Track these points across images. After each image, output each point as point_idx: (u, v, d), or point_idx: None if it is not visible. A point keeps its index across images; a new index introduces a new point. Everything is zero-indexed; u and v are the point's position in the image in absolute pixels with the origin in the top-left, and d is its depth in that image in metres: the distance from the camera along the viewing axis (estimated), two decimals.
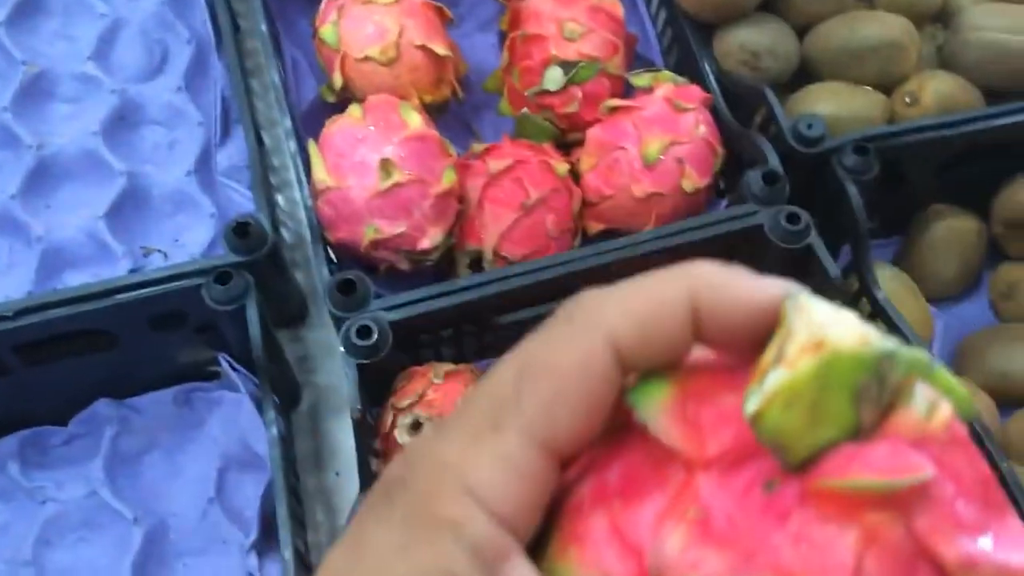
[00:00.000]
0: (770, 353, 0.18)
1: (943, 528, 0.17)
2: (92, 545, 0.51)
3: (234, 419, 0.52)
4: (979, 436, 0.47)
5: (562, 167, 0.56)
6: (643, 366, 0.19)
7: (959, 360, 0.57)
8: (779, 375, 0.17)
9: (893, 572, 0.16)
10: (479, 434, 0.18)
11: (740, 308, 0.18)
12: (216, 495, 0.51)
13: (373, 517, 0.18)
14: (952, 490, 0.17)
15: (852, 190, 0.51)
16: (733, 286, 0.18)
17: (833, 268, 0.49)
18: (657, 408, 0.18)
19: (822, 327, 0.17)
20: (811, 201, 0.52)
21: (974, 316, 0.59)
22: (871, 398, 0.17)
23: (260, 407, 0.49)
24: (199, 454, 0.53)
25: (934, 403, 0.17)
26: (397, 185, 0.50)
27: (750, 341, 0.18)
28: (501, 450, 0.18)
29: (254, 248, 0.49)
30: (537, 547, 0.19)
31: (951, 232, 0.58)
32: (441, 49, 0.57)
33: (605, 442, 0.19)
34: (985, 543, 0.17)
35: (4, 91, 0.61)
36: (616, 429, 0.20)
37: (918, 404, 0.17)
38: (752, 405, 0.17)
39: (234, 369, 0.51)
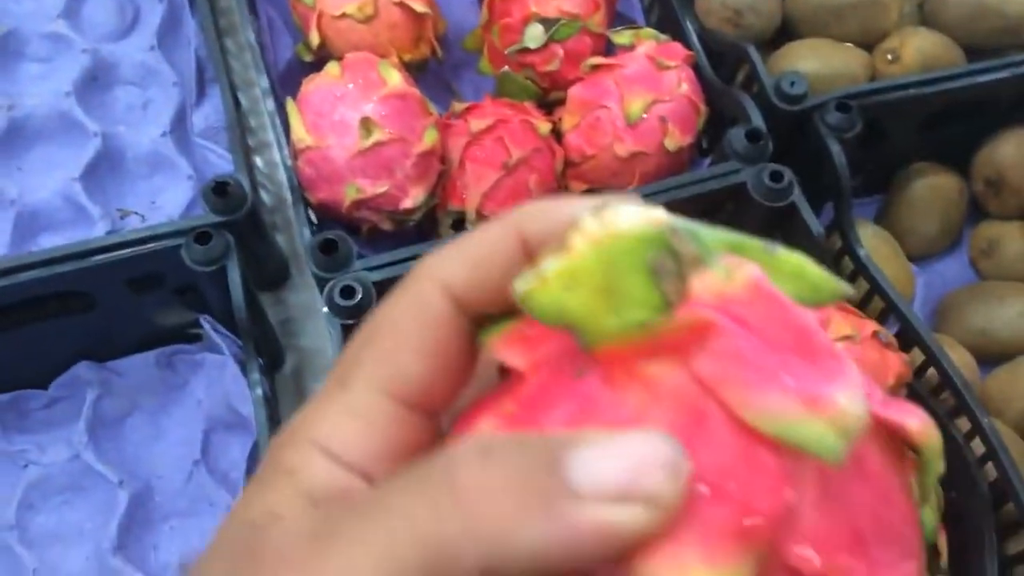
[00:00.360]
0: (555, 245, 0.17)
1: (730, 371, 0.16)
2: (76, 508, 0.51)
3: (218, 381, 0.51)
4: (959, 392, 0.48)
5: (544, 126, 0.55)
6: (487, 306, 0.19)
7: (940, 317, 0.57)
8: (556, 259, 0.17)
9: (680, 420, 0.16)
10: (328, 394, 0.19)
11: (563, 228, 0.18)
12: (201, 457, 0.51)
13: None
14: (745, 337, 0.16)
15: (835, 147, 0.51)
16: (554, 209, 0.18)
17: (816, 226, 0.49)
18: (497, 337, 0.18)
19: (611, 217, 0.17)
20: (793, 159, 0.52)
21: (954, 273, 0.60)
22: (670, 273, 0.16)
23: (244, 368, 0.49)
24: (183, 416, 0.53)
25: (735, 266, 0.17)
26: (378, 144, 0.49)
27: None
28: (346, 402, 0.18)
29: (234, 208, 0.48)
30: None
31: (932, 190, 0.59)
32: (420, 6, 0.56)
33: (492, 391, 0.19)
34: (780, 381, 0.16)
35: None
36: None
37: (716, 270, 0.17)
38: (522, 285, 0.17)
39: (216, 331, 0.50)
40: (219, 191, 0.48)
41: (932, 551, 0.45)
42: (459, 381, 0.19)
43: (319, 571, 0.16)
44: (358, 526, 0.16)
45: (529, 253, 0.18)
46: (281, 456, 0.18)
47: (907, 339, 0.50)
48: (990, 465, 0.47)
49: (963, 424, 0.48)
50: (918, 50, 0.56)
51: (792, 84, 0.52)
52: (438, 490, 0.16)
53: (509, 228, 0.18)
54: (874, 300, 0.52)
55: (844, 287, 0.18)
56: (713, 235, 0.18)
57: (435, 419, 0.19)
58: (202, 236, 0.47)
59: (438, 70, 0.63)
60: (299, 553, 0.16)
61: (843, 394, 0.16)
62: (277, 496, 0.18)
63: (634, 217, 0.17)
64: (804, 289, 0.18)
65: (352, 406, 0.18)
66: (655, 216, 0.17)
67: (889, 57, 0.56)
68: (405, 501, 0.16)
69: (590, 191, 0.56)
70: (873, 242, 0.55)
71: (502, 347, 0.18)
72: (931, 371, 0.50)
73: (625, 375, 0.17)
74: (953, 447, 0.48)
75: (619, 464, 0.15)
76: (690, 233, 0.17)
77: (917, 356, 0.50)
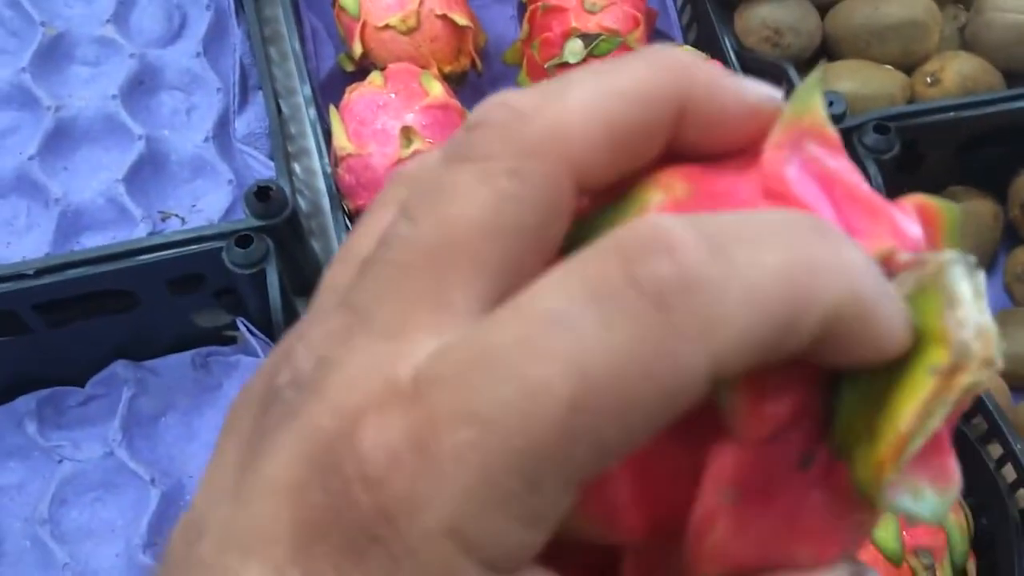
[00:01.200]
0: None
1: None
2: (108, 505, 0.52)
3: None
4: (992, 417, 0.47)
5: None
6: (604, 184, 0.15)
7: None
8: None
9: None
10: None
11: (733, 112, 0.15)
12: None
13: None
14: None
15: (872, 169, 0.51)
16: (728, 85, 0.15)
17: None
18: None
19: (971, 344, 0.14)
20: None
21: (989, 299, 0.59)
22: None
23: None
24: (216, 417, 0.53)
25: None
26: (418, 153, 0.50)
27: (737, 143, 0.16)
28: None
29: (275, 212, 0.49)
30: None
31: (967, 214, 0.58)
32: (461, 19, 0.57)
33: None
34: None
35: (23, 52, 0.61)
36: None
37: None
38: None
39: (252, 334, 0.51)
40: (261, 196, 0.49)
41: None
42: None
43: None
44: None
45: (678, 128, 0.15)
46: None
47: None
48: (1022, 491, 0.47)
49: (995, 450, 0.48)
50: (958, 73, 0.56)
51: (831, 104, 0.52)
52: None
53: (671, 90, 0.15)
54: None
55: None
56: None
57: None
58: (243, 239, 0.48)
59: (477, 82, 0.63)
60: None
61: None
62: None
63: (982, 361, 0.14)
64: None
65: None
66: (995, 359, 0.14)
67: (929, 80, 0.56)
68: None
69: None
70: None
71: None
72: None
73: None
74: (984, 473, 0.48)
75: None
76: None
77: None
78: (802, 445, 0.15)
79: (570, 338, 0.12)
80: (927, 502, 0.14)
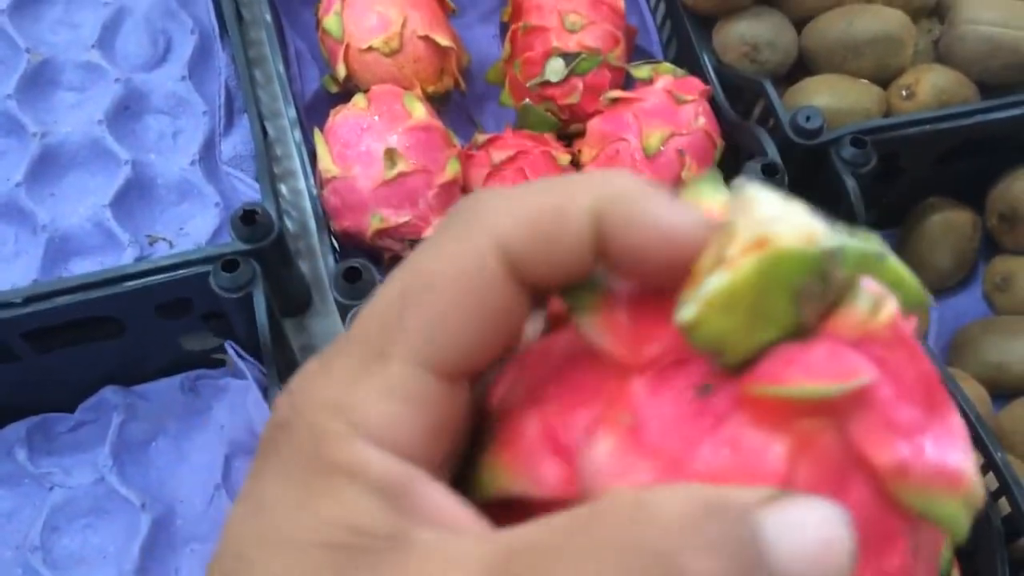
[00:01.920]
0: (710, 254, 0.16)
1: (878, 433, 0.16)
2: (100, 531, 0.52)
3: (240, 406, 0.52)
4: (972, 425, 0.48)
5: (564, 158, 0.56)
6: (539, 281, 0.17)
7: (953, 351, 0.58)
8: (720, 278, 0.16)
9: (825, 480, 0.16)
10: (364, 364, 0.16)
11: (654, 233, 0.16)
12: (222, 482, 0.52)
13: (267, 469, 0.17)
14: (891, 392, 0.16)
15: (850, 182, 0.52)
16: (649, 207, 0.16)
17: None
18: (589, 310, 0.17)
19: (767, 223, 0.16)
20: (809, 194, 0.52)
21: (968, 307, 0.60)
22: (814, 296, 0.16)
23: (267, 394, 0.50)
24: (205, 441, 0.54)
25: (879, 299, 0.16)
26: (402, 175, 0.50)
27: (661, 271, 0.16)
28: (387, 380, 0.16)
29: (261, 236, 0.49)
30: (472, 461, 0.18)
31: (946, 224, 0.59)
32: (444, 40, 0.57)
33: (539, 344, 0.18)
34: (920, 445, 0.16)
35: (8, 78, 0.62)
36: (551, 328, 0.19)
37: (862, 301, 0.16)
38: (688, 313, 0.16)
39: (240, 357, 0.51)
40: (247, 219, 0.49)
41: None
42: (503, 348, 0.17)
43: None
44: None
45: (601, 242, 0.16)
46: (329, 449, 0.16)
47: None
48: (1003, 500, 0.47)
49: (976, 458, 0.49)
50: (933, 86, 0.56)
51: (808, 119, 0.53)
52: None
53: (586, 202, 0.16)
54: None
55: (930, 298, 0.18)
56: (853, 245, 0.17)
57: (467, 386, 0.17)
58: (229, 264, 0.48)
59: (461, 102, 0.64)
60: None
61: (970, 467, 0.16)
62: (344, 500, 0.15)
63: (797, 230, 0.16)
64: (902, 298, 0.17)
65: (393, 385, 0.16)
66: (817, 232, 0.16)
67: (904, 93, 0.57)
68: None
69: None
70: None
71: (601, 329, 0.17)
72: None
73: (772, 417, 0.16)
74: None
75: (812, 536, 0.14)
76: (839, 254, 0.16)
77: None
78: (697, 378, 0.16)
79: None
80: (943, 507, 0.16)
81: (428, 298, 0.16)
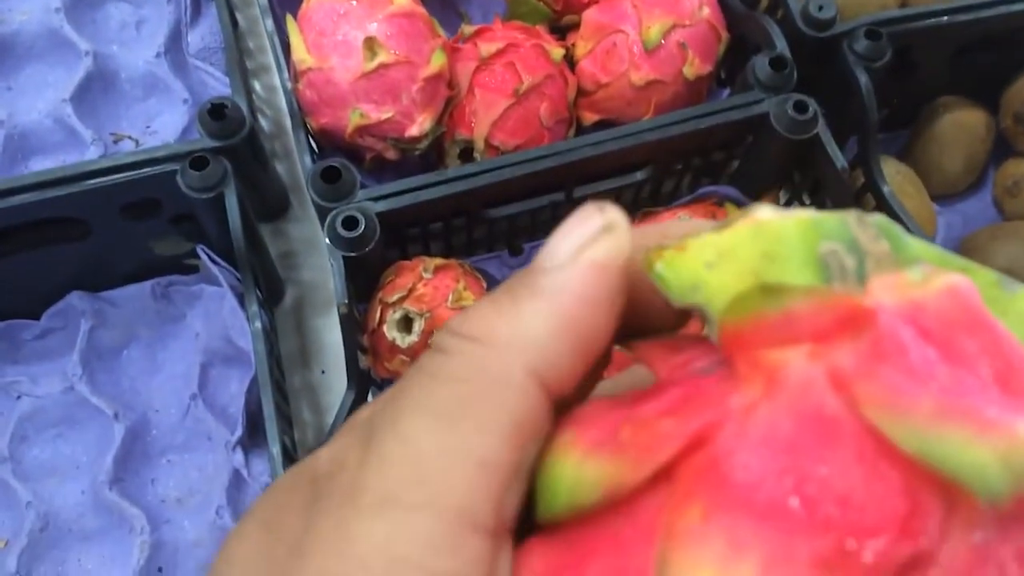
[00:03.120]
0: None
1: (878, 375, 0.12)
2: (71, 441, 0.50)
3: (216, 313, 0.50)
4: None
5: (557, 52, 0.53)
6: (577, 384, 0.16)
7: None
8: (705, 234, 0.14)
9: (796, 423, 0.13)
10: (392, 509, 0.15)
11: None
12: (199, 391, 0.50)
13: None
14: (925, 352, 0.12)
15: (863, 78, 0.48)
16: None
17: (840, 160, 0.47)
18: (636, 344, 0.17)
19: (780, 210, 0.14)
20: (817, 90, 0.49)
21: (977, 213, 0.58)
22: (847, 271, 0.13)
23: (242, 301, 0.47)
24: (180, 349, 0.51)
25: (936, 271, 0.13)
26: (383, 66, 0.46)
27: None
28: (416, 526, 0.15)
29: (231, 132, 0.46)
30: None
31: (958, 125, 0.56)
32: None
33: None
34: (948, 398, 0.12)
35: None
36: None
37: (912, 269, 0.13)
38: (654, 254, 0.14)
39: (213, 261, 0.48)
40: (216, 114, 0.46)
41: None
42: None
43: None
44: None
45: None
46: None
47: None
48: None
49: None
50: None
51: (820, 8, 0.49)
52: (452, 345, 0.15)
53: (617, 292, 0.16)
54: None
55: None
56: (924, 246, 0.14)
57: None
58: (198, 161, 0.45)
59: None
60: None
61: None
62: None
63: (818, 212, 0.14)
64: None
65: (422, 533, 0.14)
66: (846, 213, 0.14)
67: None
68: (426, 371, 0.16)
69: (602, 123, 0.54)
70: (896, 179, 0.53)
71: (641, 350, 0.16)
72: None
73: (749, 364, 0.13)
74: None
75: (568, 235, 0.16)
76: (887, 230, 0.14)
77: None
78: (701, 363, 0.15)
79: None
80: (959, 453, 0.12)
81: (449, 461, 0.15)
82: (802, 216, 0.14)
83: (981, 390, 0.12)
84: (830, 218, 0.14)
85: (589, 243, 0.16)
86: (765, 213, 0.14)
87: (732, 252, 0.14)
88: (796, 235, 0.13)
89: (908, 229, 0.47)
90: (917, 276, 0.13)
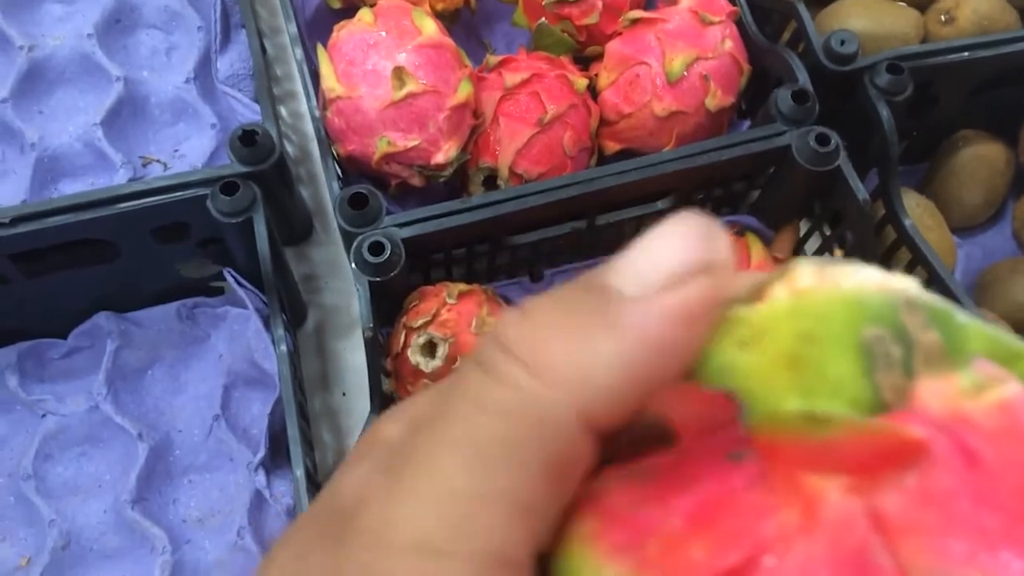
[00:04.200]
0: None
1: (923, 529, 0.12)
2: (94, 460, 0.50)
3: (240, 335, 0.50)
4: None
5: (580, 82, 0.53)
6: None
7: (980, 291, 0.56)
8: (738, 309, 0.13)
9: (834, 565, 0.12)
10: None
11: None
12: (222, 412, 0.50)
13: None
14: (971, 489, 0.12)
15: (884, 111, 0.49)
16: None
17: (862, 192, 0.47)
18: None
19: (834, 272, 0.13)
20: (838, 123, 0.50)
21: (997, 246, 0.58)
22: (892, 362, 0.12)
23: (268, 324, 0.48)
24: (204, 370, 0.52)
25: (991, 377, 0.12)
26: (411, 95, 0.47)
27: None
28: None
29: (261, 158, 0.47)
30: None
31: (978, 159, 0.57)
32: None
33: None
34: (990, 560, 0.11)
35: None
36: None
37: (964, 375, 0.12)
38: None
39: (240, 284, 0.49)
40: (247, 140, 0.47)
41: None
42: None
43: (406, 490, 0.14)
44: (430, 438, 0.14)
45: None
46: None
47: None
48: None
49: None
50: (974, 11, 0.53)
51: (842, 43, 0.50)
52: (501, 368, 0.14)
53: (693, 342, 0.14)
54: (916, 272, 0.50)
55: None
56: (977, 330, 0.13)
57: None
58: (229, 186, 0.45)
59: (470, 21, 0.61)
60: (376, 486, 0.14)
61: None
62: None
63: (865, 277, 0.13)
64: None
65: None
66: (891, 281, 0.13)
67: (943, 18, 0.54)
68: (469, 397, 0.14)
69: (624, 152, 0.55)
70: (916, 212, 0.53)
71: (665, 399, 0.14)
72: None
73: (784, 480, 0.13)
74: None
75: (659, 258, 0.13)
76: (938, 315, 0.13)
77: None
78: (730, 445, 0.14)
79: None
80: None
81: (498, 500, 0.14)
82: (846, 290, 0.13)
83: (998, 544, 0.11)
84: (877, 298, 0.13)
85: (683, 277, 0.13)
86: (806, 277, 0.13)
87: (768, 331, 0.13)
88: (839, 316, 0.13)
89: (927, 260, 0.48)
90: (968, 384, 0.12)
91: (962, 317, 0.13)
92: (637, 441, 0.15)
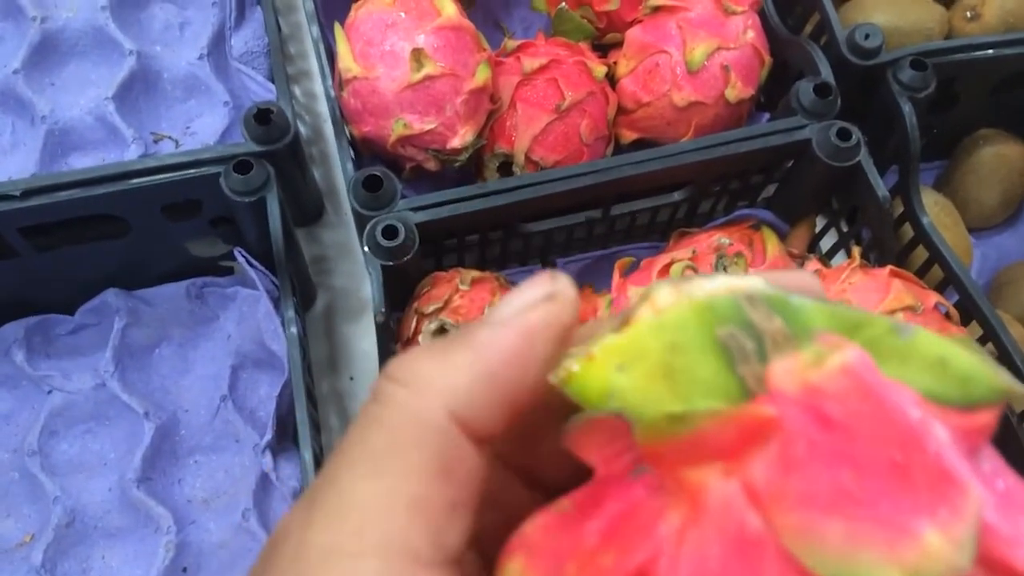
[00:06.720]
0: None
1: (788, 494, 0.13)
2: (100, 438, 0.50)
3: (250, 316, 0.50)
4: (1017, 368, 0.46)
5: (599, 70, 0.53)
6: (508, 429, 0.17)
7: (995, 291, 0.55)
8: (609, 337, 0.14)
9: (724, 549, 0.13)
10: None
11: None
12: (229, 393, 0.50)
13: None
14: (827, 451, 0.13)
15: (906, 107, 0.48)
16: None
17: (882, 189, 0.47)
18: (573, 429, 0.17)
19: (688, 286, 0.14)
20: (858, 119, 0.49)
21: (1012, 247, 0.58)
22: (748, 353, 0.14)
23: (277, 305, 0.47)
24: (212, 350, 0.51)
25: (832, 346, 0.14)
26: (429, 78, 0.47)
27: None
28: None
29: (275, 137, 0.46)
30: None
31: (997, 158, 0.56)
32: None
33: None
34: (857, 511, 0.12)
35: None
36: None
37: (806, 351, 0.14)
38: (564, 367, 0.15)
39: (251, 264, 0.48)
40: (261, 119, 0.46)
41: None
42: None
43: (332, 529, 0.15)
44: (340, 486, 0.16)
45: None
46: None
47: (965, 312, 0.48)
48: None
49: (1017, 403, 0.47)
50: (1000, 7, 0.53)
51: (866, 37, 0.49)
52: (385, 391, 0.16)
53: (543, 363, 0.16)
54: (932, 270, 0.50)
55: (1009, 382, 0.14)
56: (816, 309, 0.14)
57: None
58: (242, 165, 0.45)
59: (487, 4, 0.60)
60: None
61: (936, 531, 0.12)
62: None
63: (713, 285, 0.14)
64: (948, 384, 0.14)
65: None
66: (739, 283, 0.14)
67: (968, 15, 0.53)
68: (363, 423, 0.16)
69: (640, 142, 0.54)
70: (934, 210, 0.52)
71: (575, 441, 0.16)
72: (988, 345, 0.48)
73: (673, 481, 0.14)
74: (1007, 426, 0.46)
75: (511, 299, 0.17)
76: (779, 304, 0.14)
77: (974, 330, 0.48)
78: (633, 464, 0.15)
79: None
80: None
81: (379, 503, 0.16)
82: (698, 300, 0.14)
83: (886, 493, 0.13)
84: (725, 300, 0.14)
85: (530, 307, 0.17)
86: (664, 297, 0.15)
87: (639, 350, 0.14)
88: (694, 322, 0.14)
89: (944, 259, 0.47)
90: (811, 357, 0.14)
91: (798, 300, 0.14)
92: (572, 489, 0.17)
